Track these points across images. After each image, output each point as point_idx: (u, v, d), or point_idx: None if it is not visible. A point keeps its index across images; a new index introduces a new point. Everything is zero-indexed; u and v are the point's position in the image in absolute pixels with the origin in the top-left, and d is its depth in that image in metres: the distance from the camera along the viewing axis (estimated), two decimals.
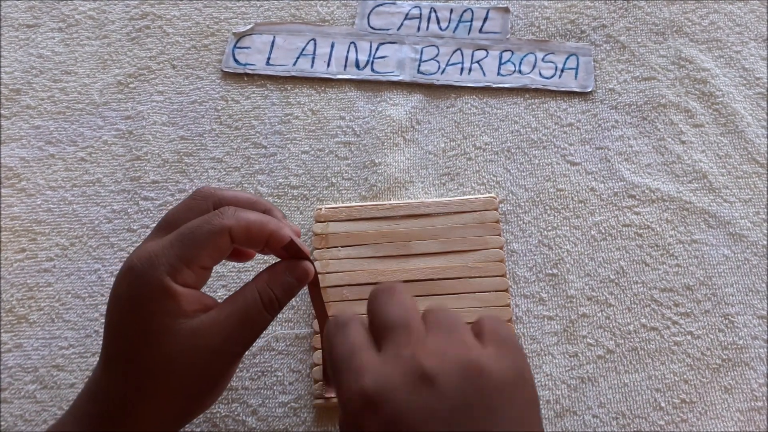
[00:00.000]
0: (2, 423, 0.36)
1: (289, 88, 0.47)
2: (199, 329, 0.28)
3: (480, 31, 0.49)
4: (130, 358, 0.28)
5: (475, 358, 0.24)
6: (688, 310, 0.39)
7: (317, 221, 0.41)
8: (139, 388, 0.28)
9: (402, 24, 0.49)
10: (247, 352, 0.37)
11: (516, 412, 0.24)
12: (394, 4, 0.50)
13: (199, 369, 0.28)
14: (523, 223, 0.42)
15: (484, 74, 0.47)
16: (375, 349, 0.26)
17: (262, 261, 0.40)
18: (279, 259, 0.32)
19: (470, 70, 0.47)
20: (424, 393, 0.23)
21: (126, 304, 0.28)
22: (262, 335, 0.36)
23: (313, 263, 0.32)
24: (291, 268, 0.31)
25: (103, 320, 0.30)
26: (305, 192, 0.43)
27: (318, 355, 0.37)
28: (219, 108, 0.46)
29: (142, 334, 0.28)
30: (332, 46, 0.48)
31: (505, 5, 0.50)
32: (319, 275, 0.39)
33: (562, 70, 0.47)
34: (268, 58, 0.48)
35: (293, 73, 0.47)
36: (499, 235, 0.40)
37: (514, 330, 0.29)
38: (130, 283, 0.28)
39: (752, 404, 0.36)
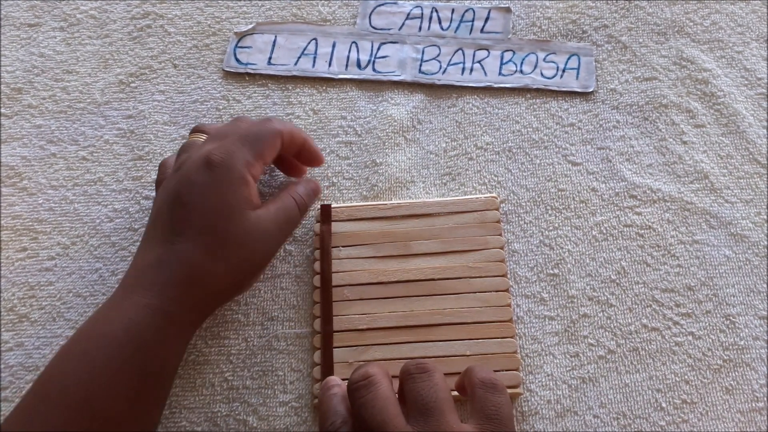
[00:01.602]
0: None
1: (290, 87, 0.47)
2: (260, 217, 0.34)
3: (481, 31, 0.49)
4: (213, 231, 0.33)
5: None
6: (690, 311, 0.39)
7: (318, 221, 0.41)
8: (216, 257, 0.33)
9: (403, 24, 0.49)
10: (248, 351, 0.38)
11: None
12: (395, 3, 0.50)
13: (258, 248, 0.35)
14: (524, 223, 0.42)
15: (485, 74, 0.47)
16: None
17: None
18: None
19: (472, 70, 0.47)
20: None
21: (208, 188, 0.33)
22: (263, 335, 0.37)
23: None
24: (310, 182, 0.40)
25: None
26: None
27: (318, 355, 0.37)
28: (220, 107, 0.46)
29: (226, 212, 0.33)
30: (334, 45, 0.48)
31: (507, 5, 0.50)
32: (318, 275, 0.39)
33: (563, 70, 0.47)
34: (270, 58, 0.48)
35: (295, 73, 0.47)
36: (500, 235, 0.40)
37: (506, 394, 0.30)
38: (213, 171, 0.33)
39: (753, 405, 0.36)
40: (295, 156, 0.40)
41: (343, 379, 0.34)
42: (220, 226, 0.33)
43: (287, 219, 0.36)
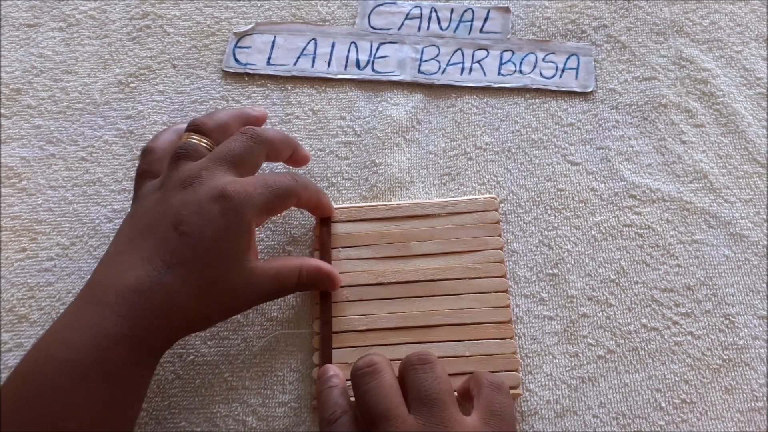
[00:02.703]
0: None
1: (289, 87, 0.47)
2: (254, 271, 0.33)
3: (481, 30, 0.49)
4: (206, 273, 0.32)
5: None
6: (689, 311, 0.39)
7: (317, 221, 0.41)
8: (201, 299, 0.32)
9: (402, 24, 0.49)
10: (248, 352, 0.38)
11: None
12: (394, 3, 0.50)
13: (245, 298, 0.34)
14: (524, 223, 0.42)
15: (484, 74, 0.47)
16: None
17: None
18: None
19: (471, 69, 0.47)
20: None
21: (214, 226, 0.32)
22: (263, 335, 0.38)
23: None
24: (330, 279, 0.37)
25: None
26: None
27: (318, 356, 0.37)
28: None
29: (224, 258, 0.32)
30: (333, 45, 0.48)
31: (506, 5, 0.50)
32: None
33: (562, 70, 0.47)
34: (269, 58, 0.48)
35: (294, 73, 0.47)
36: (500, 235, 0.40)
37: (510, 397, 0.32)
38: (224, 210, 0.32)
39: (752, 404, 0.37)
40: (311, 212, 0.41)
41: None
42: (213, 270, 0.32)
43: (279, 287, 0.35)
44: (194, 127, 0.36)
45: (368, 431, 0.30)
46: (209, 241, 0.32)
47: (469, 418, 0.30)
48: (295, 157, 0.39)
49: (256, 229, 0.36)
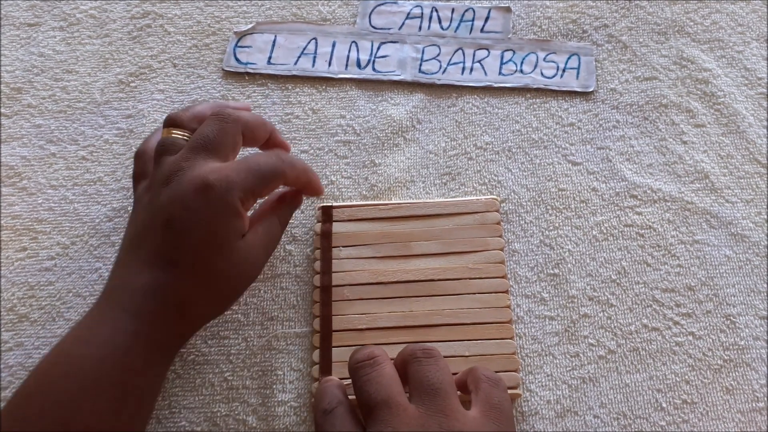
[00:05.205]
0: None
1: (290, 87, 0.47)
2: (249, 246, 0.34)
3: (481, 30, 0.49)
4: (203, 265, 0.32)
5: (457, 428, 0.28)
6: (690, 311, 0.39)
7: (319, 221, 0.41)
8: (204, 290, 0.33)
9: (403, 23, 0.49)
10: (248, 351, 0.38)
11: None
12: (395, 3, 0.50)
13: (245, 277, 0.35)
14: (525, 222, 0.42)
15: (485, 74, 0.47)
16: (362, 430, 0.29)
17: None
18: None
19: (471, 69, 0.47)
20: None
21: (202, 218, 0.32)
22: (263, 335, 0.38)
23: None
24: (295, 198, 0.39)
25: None
26: None
27: (317, 354, 0.37)
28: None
29: (217, 247, 0.32)
30: (333, 45, 0.48)
31: (507, 5, 0.49)
32: (318, 275, 0.39)
33: (563, 70, 0.47)
34: (270, 57, 0.48)
35: (294, 73, 0.47)
36: (500, 236, 0.40)
37: (508, 393, 0.32)
38: (209, 200, 0.32)
39: (753, 405, 0.36)
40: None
41: (342, 378, 0.34)
42: (210, 259, 0.32)
43: (271, 239, 0.36)
44: (170, 122, 0.36)
45: (366, 419, 0.29)
46: (201, 233, 0.32)
47: (470, 411, 0.30)
48: (272, 142, 0.38)
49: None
